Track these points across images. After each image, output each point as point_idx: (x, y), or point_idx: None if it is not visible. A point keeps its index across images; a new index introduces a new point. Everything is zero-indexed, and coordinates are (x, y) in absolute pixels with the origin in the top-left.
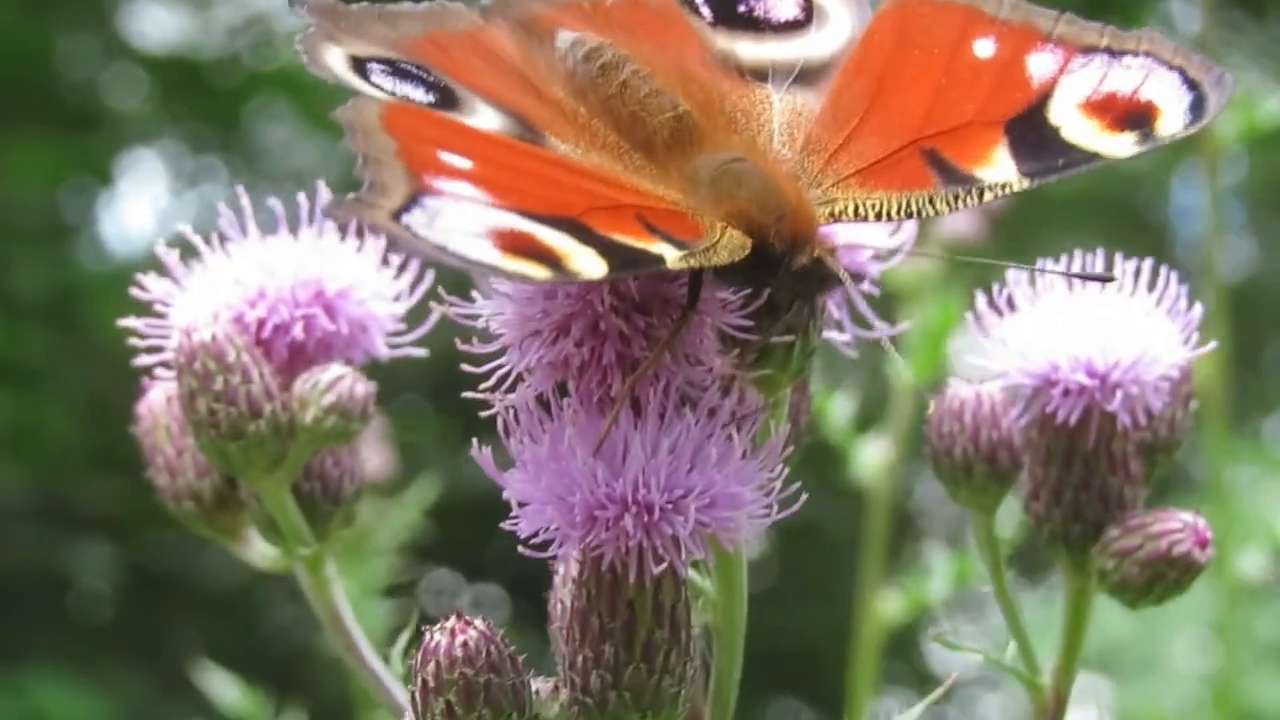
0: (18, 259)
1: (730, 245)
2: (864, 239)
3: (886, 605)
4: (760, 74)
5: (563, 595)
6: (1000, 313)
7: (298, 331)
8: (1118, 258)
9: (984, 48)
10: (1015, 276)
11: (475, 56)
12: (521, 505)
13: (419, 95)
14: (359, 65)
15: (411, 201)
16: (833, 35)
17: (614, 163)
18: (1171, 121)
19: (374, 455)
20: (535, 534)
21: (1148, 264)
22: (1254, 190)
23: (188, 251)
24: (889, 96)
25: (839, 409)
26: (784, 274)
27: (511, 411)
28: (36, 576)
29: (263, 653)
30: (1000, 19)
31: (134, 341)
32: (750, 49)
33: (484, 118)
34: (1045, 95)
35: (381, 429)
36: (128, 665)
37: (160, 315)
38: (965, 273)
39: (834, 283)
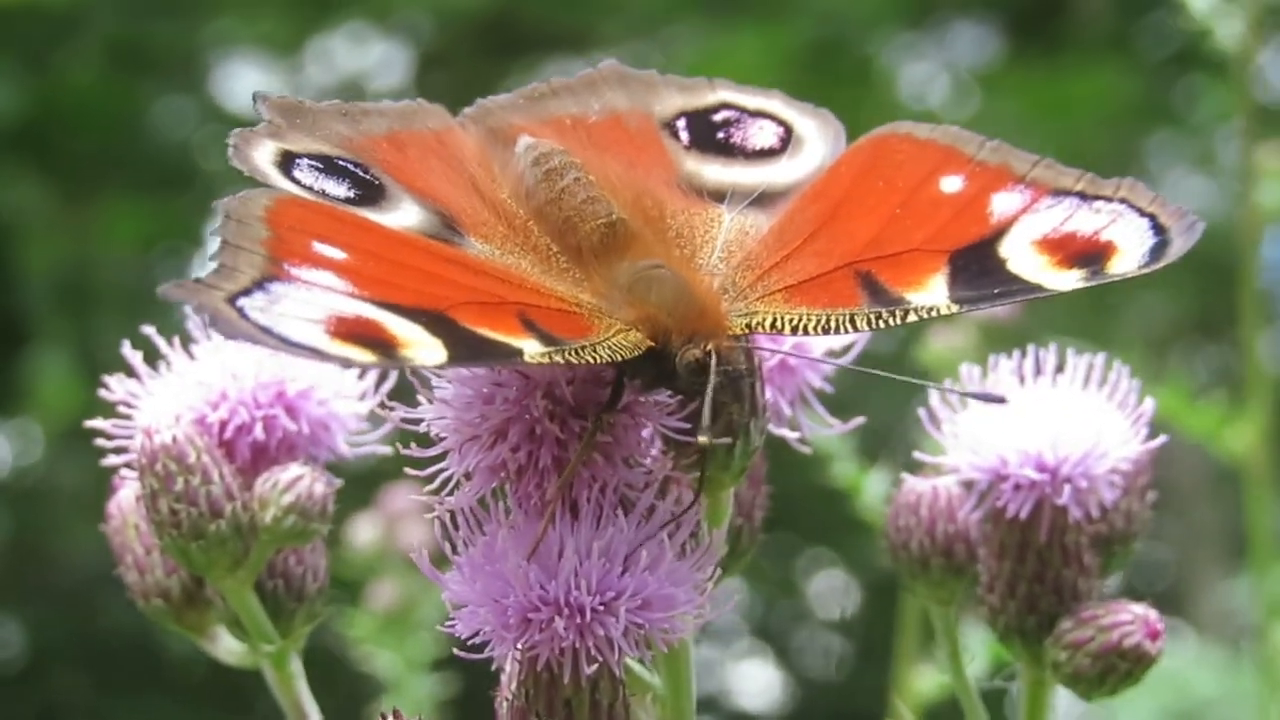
0: (109, 324)
1: (617, 344)
2: (811, 343)
3: (923, 682)
4: (720, 195)
5: (508, 693)
6: (953, 408)
7: (259, 432)
8: (1069, 353)
9: (951, 184)
10: (968, 372)
11: (432, 157)
12: (458, 607)
13: (338, 191)
14: (287, 161)
15: (257, 286)
16: (802, 164)
17: (535, 264)
18: (1126, 261)
19: (417, 530)
20: (473, 635)
21: (1100, 359)
22: None
23: (154, 354)
24: (839, 222)
25: (873, 487)
26: (681, 369)
27: (450, 515)
28: None
29: None
30: (977, 159)
31: (100, 442)
32: (716, 172)
33: (403, 215)
34: (1001, 231)
35: (419, 503)
36: None
37: (126, 417)
38: (999, 344)
39: (738, 380)
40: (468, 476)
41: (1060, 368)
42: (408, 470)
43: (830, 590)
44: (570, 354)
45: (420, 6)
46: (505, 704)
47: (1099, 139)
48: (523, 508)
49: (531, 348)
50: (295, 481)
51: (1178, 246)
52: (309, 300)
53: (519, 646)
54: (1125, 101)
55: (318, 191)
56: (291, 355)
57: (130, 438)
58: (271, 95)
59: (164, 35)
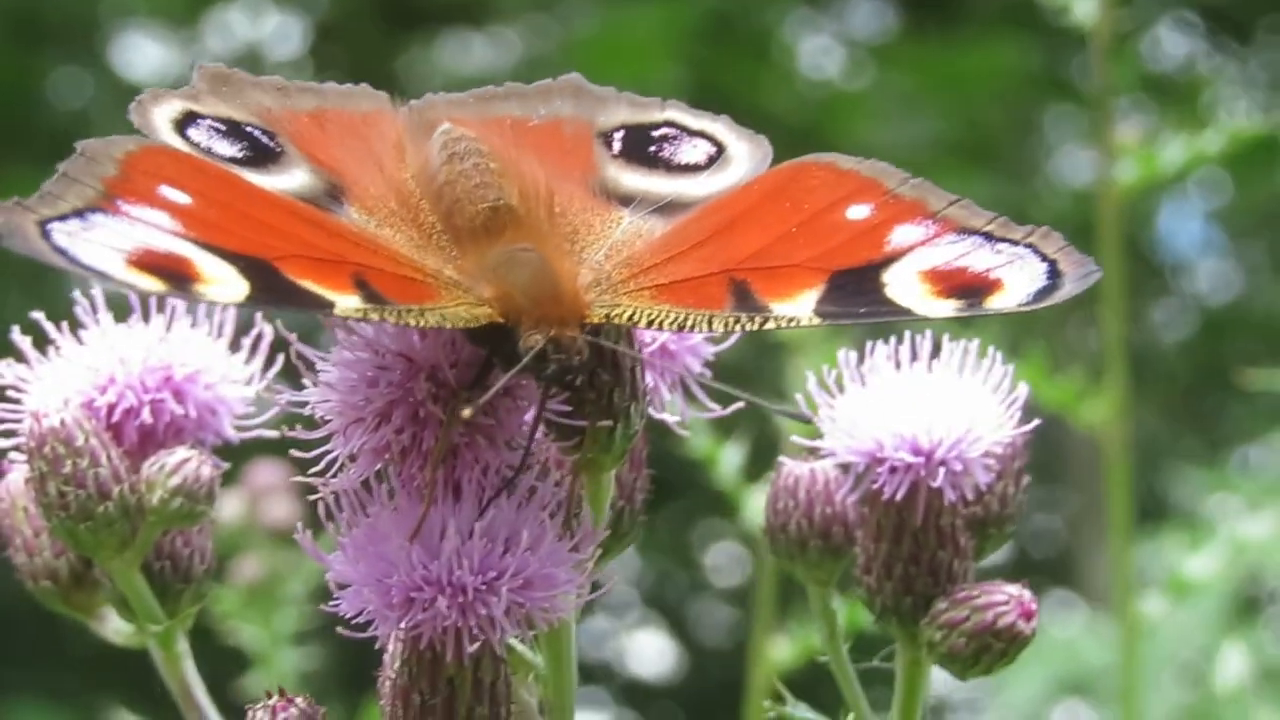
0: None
1: (453, 314)
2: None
3: (777, 652)
4: (628, 200)
5: (390, 673)
6: (830, 391)
7: (146, 416)
8: (944, 339)
9: (857, 211)
10: (845, 357)
11: (350, 136)
12: (342, 587)
13: (225, 151)
14: (187, 120)
15: (75, 214)
16: (720, 181)
17: (411, 240)
18: (1007, 299)
19: (281, 506)
20: (357, 615)
21: (974, 344)
22: (1236, 214)
23: (42, 340)
24: (730, 234)
25: (728, 460)
26: (521, 351)
27: (334, 496)
28: None
29: None
30: (893, 192)
31: None
32: (633, 180)
33: (287, 179)
34: (891, 259)
35: (287, 480)
36: None
37: (15, 401)
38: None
39: (572, 370)
40: (352, 459)
41: (935, 353)
42: (293, 452)
43: (727, 561)
44: (392, 314)
45: None
46: (388, 683)
47: (994, 112)
48: (406, 490)
49: (347, 303)
50: (182, 464)
51: (1065, 291)
52: (124, 233)
53: (402, 626)
54: (1023, 75)
55: (204, 150)
56: (75, 273)
57: (19, 421)
58: (210, 65)
59: (62, 5)
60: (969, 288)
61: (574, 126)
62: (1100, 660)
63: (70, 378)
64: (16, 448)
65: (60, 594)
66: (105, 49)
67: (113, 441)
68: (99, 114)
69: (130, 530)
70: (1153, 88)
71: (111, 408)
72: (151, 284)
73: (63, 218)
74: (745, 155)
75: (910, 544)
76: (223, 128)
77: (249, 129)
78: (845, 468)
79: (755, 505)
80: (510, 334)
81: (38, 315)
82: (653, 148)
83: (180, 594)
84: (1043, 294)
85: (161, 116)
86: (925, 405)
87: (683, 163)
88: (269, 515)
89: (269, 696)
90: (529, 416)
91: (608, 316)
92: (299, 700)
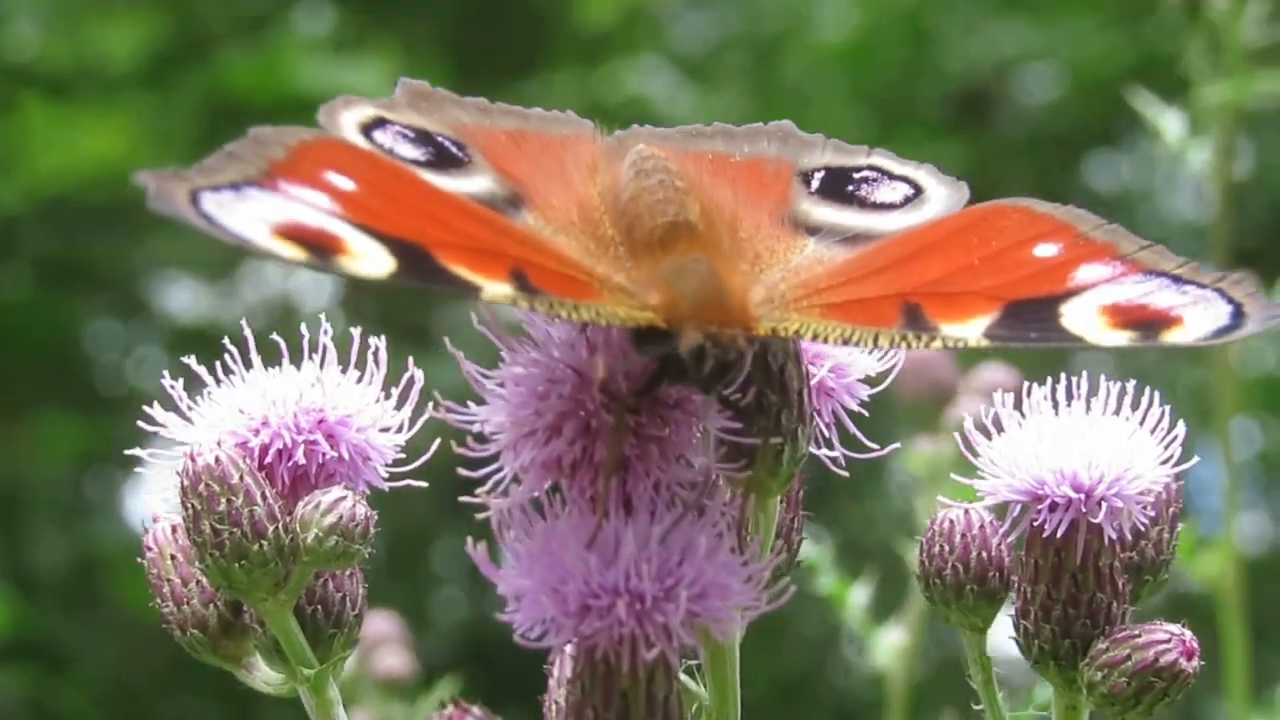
0: (39, 536)
1: (608, 311)
2: (849, 365)
3: None
4: (815, 230)
5: (558, 696)
6: (988, 434)
7: (300, 456)
8: (1102, 379)
9: (1045, 250)
10: (1000, 402)
11: (544, 153)
12: (516, 598)
13: (410, 154)
14: (376, 125)
15: (230, 186)
16: (913, 218)
17: (586, 249)
18: (1185, 335)
19: (393, 656)
20: (531, 627)
21: (1131, 385)
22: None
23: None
24: (911, 263)
25: (857, 598)
26: (684, 354)
27: (505, 512)
28: None
29: None
30: (1084, 234)
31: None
32: (825, 213)
33: (469, 183)
34: (1072, 293)
35: (401, 632)
36: None
37: (168, 441)
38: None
39: (729, 366)
40: (518, 479)
41: (1092, 395)
42: (460, 471)
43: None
44: (543, 303)
45: None
46: (555, 706)
47: None
48: (577, 504)
49: (497, 290)
50: (337, 503)
51: (1247, 330)
52: (276, 207)
53: (577, 635)
54: None
55: (387, 150)
56: (214, 236)
57: (171, 464)
58: (413, 82)
59: (99, 253)
60: (1147, 322)
61: (776, 165)
62: None
63: (223, 420)
64: (166, 496)
65: (209, 643)
66: (142, 297)
67: (267, 482)
68: (133, 360)
69: (284, 570)
70: None
71: (264, 449)
72: (291, 252)
73: (216, 188)
74: (942, 197)
75: (1069, 585)
76: (411, 134)
77: (439, 138)
78: (1000, 511)
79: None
80: (673, 339)
81: (188, 360)
82: (851, 187)
83: (332, 639)
84: (1223, 332)
85: (350, 119)
86: (1085, 443)
87: (878, 201)
88: (381, 665)
89: (443, 706)
90: (700, 430)
91: (774, 329)
92: (475, 709)
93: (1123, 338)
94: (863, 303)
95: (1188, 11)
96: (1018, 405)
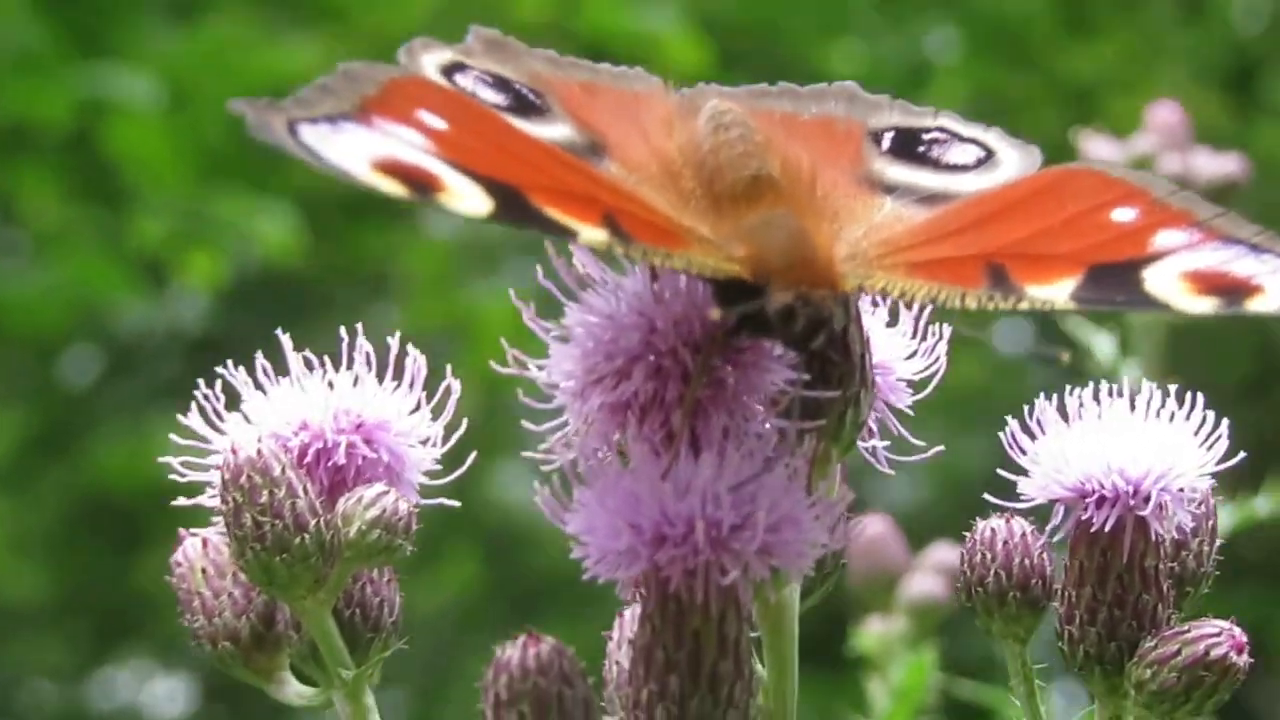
0: None
1: (696, 260)
2: (894, 365)
3: None
4: (891, 189)
5: (619, 657)
6: (1032, 435)
7: (340, 456)
8: (1143, 381)
9: (1123, 214)
10: (1042, 405)
11: (618, 105)
12: (590, 532)
13: (491, 98)
14: (455, 68)
15: (327, 119)
16: (987, 180)
17: (667, 200)
18: (1268, 302)
19: None
20: (601, 560)
21: (1174, 387)
22: None
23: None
24: (991, 224)
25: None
26: (771, 313)
27: (575, 460)
28: None
29: None
30: (1160, 199)
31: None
32: (900, 172)
33: (550, 130)
34: (1154, 258)
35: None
36: None
37: (201, 454)
38: (932, 634)
39: (822, 323)
40: (587, 422)
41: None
42: (524, 423)
43: None
44: (635, 250)
45: None
46: (616, 667)
47: None
48: (648, 445)
49: (592, 235)
50: (380, 497)
51: None
52: (373, 142)
53: (651, 564)
54: None
55: (469, 94)
56: (314, 166)
57: (203, 476)
58: (485, 30)
59: None
60: (1227, 289)
61: (846, 124)
62: None
63: (262, 420)
64: (199, 507)
65: (241, 656)
66: None
67: (308, 478)
68: None
69: (325, 566)
70: None
71: (304, 449)
72: (393, 187)
73: (313, 120)
74: (1014, 160)
75: (1115, 586)
76: (490, 80)
77: (517, 85)
78: (1042, 519)
79: None
80: (757, 294)
81: (222, 370)
82: (921, 148)
83: (369, 643)
84: None
85: (431, 61)
86: (1131, 440)
87: (951, 162)
88: None
89: (515, 639)
90: (772, 380)
91: (860, 286)
92: (547, 638)
93: (1207, 304)
94: (947, 262)
95: None
96: (1060, 409)
